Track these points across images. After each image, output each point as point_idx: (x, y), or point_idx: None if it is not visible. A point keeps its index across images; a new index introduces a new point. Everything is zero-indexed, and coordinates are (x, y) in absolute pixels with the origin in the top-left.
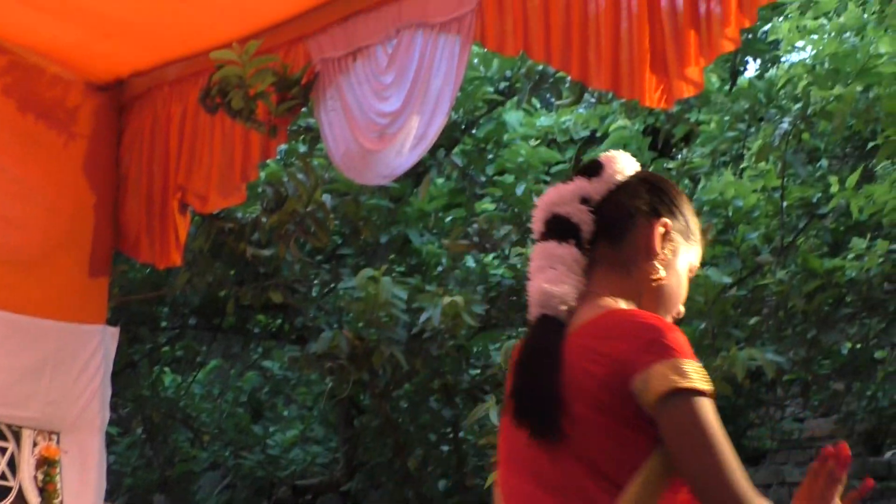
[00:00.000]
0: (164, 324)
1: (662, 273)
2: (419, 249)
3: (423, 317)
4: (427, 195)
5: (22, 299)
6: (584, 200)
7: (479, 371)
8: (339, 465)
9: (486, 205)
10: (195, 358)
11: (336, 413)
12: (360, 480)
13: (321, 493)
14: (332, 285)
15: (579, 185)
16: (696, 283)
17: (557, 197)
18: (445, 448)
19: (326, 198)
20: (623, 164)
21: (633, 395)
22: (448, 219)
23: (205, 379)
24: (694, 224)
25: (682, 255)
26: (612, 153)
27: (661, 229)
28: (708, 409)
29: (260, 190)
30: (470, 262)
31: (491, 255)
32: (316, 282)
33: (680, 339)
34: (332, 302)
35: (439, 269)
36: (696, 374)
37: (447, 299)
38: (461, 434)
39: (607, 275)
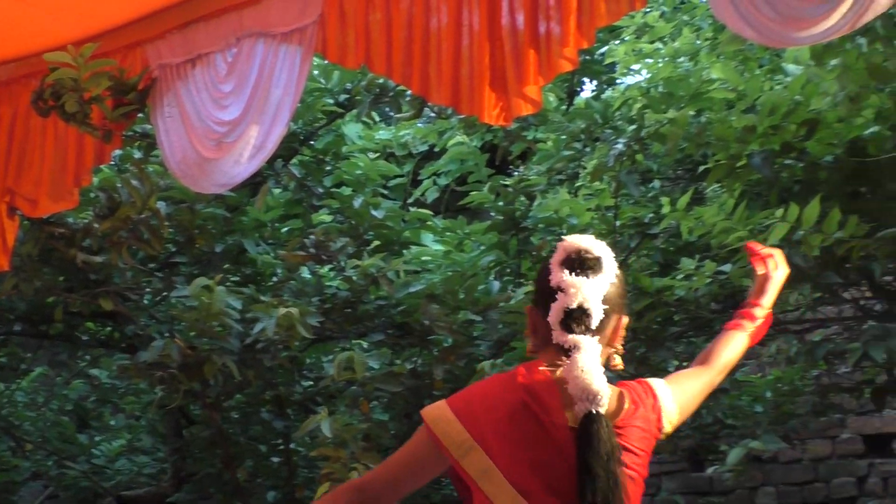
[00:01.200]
0: None
1: (619, 361)
2: (255, 259)
3: (257, 327)
4: (264, 205)
5: None
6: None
7: (311, 383)
8: (166, 476)
9: (324, 216)
10: (20, 365)
11: (165, 423)
12: (188, 492)
13: None
14: (165, 294)
15: (602, 282)
16: (530, 299)
17: (593, 293)
18: (276, 460)
19: (161, 205)
20: (612, 261)
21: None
22: (285, 229)
23: (29, 386)
24: None
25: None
26: (598, 243)
27: (623, 323)
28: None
29: (93, 195)
30: (306, 273)
31: (327, 267)
32: (148, 290)
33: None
34: (164, 310)
35: (274, 279)
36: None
37: (282, 310)
38: (292, 445)
39: None
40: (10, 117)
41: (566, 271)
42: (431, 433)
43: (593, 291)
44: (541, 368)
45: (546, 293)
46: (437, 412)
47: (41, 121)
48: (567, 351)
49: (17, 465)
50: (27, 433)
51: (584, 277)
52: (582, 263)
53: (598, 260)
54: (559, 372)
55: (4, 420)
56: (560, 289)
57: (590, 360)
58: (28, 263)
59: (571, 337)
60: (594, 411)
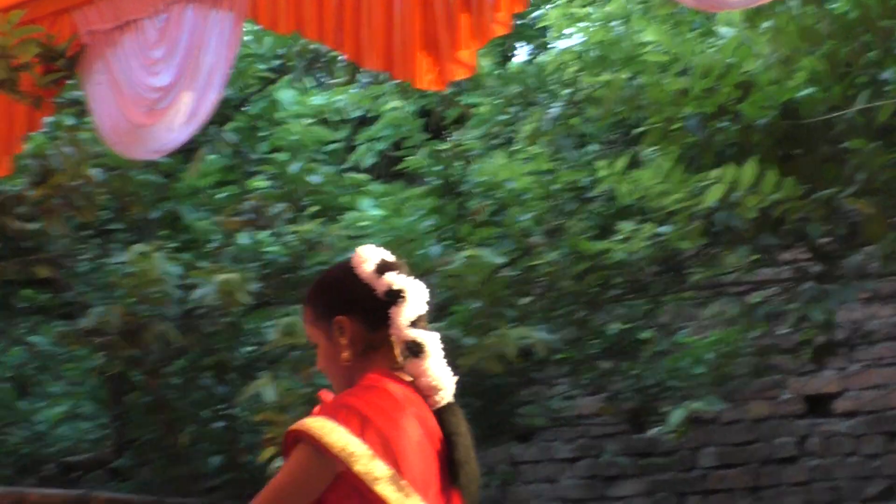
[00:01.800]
0: None
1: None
2: (192, 225)
3: (196, 293)
4: (199, 171)
5: None
6: None
7: (253, 348)
8: (108, 442)
9: (260, 182)
10: None
11: (106, 389)
12: (129, 457)
13: (89, 470)
14: (101, 261)
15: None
16: (469, 263)
17: (424, 292)
18: (218, 425)
19: (95, 172)
20: None
21: None
22: (221, 195)
23: None
24: None
25: None
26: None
27: None
28: None
29: (25, 163)
30: (244, 238)
31: (265, 233)
32: (84, 257)
33: None
34: (101, 278)
35: (212, 245)
36: None
37: (221, 276)
38: (234, 411)
39: None
40: None
41: (395, 276)
42: (321, 444)
43: (423, 290)
44: (395, 373)
45: (371, 300)
46: (319, 423)
47: None
48: (417, 349)
49: None
50: None
51: (409, 279)
52: (397, 268)
53: (404, 263)
54: (406, 373)
55: None
56: (400, 292)
57: (440, 354)
58: None
59: (423, 334)
60: (450, 401)
